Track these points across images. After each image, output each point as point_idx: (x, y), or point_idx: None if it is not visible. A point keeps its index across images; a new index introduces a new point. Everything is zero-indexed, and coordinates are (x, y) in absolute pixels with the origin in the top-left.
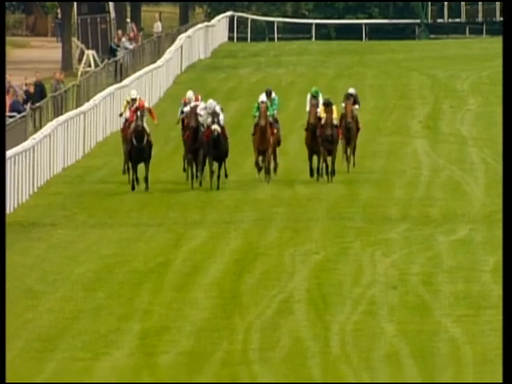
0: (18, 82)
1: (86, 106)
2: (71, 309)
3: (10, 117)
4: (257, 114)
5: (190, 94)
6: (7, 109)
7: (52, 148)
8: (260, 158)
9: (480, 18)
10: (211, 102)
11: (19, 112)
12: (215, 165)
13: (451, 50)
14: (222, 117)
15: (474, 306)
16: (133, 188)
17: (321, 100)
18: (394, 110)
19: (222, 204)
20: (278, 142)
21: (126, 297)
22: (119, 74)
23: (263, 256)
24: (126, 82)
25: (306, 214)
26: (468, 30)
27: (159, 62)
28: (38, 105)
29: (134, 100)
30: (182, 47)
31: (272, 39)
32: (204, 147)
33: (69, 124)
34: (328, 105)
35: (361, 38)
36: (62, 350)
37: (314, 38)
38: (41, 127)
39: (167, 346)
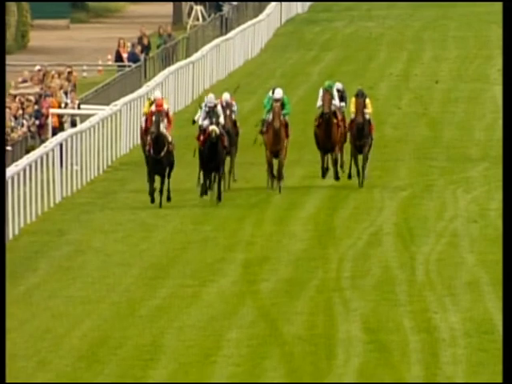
0: (133, 34)
1: (194, 57)
2: (181, 240)
3: (128, 66)
4: (269, 107)
5: (226, 96)
6: (125, 60)
7: (164, 94)
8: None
9: None
10: (211, 97)
11: (135, 62)
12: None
13: None
14: (221, 119)
15: None
16: (152, 201)
17: (335, 94)
18: (474, 59)
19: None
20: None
21: (231, 229)
22: (224, 27)
23: (355, 193)
24: (230, 34)
25: (393, 154)
26: None
27: (261, 17)
28: (151, 55)
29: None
30: (281, 3)
31: None
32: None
33: (179, 73)
34: (361, 96)
35: None
36: (172, 278)
37: None
38: (154, 76)
39: (268, 274)
